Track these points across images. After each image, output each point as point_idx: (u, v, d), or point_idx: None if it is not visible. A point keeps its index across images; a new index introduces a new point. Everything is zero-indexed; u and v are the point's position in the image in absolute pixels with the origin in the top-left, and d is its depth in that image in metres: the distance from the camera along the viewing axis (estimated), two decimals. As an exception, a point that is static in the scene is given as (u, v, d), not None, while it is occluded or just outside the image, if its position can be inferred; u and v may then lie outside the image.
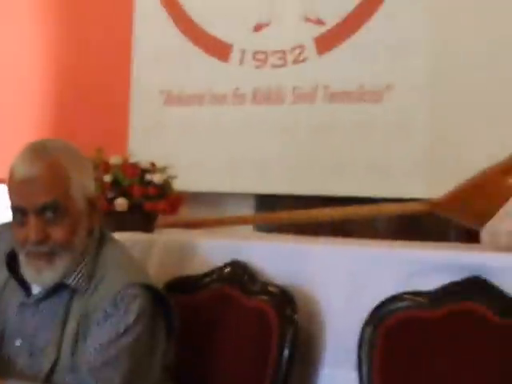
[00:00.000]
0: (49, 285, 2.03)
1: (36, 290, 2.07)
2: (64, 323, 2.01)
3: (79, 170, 2.04)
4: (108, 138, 3.73)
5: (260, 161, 3.68)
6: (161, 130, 3.94)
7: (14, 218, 2.01)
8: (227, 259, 2.36)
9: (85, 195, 2.03)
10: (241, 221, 3.28)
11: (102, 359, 1.94)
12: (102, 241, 2.10)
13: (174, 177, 2.76)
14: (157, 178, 2.72)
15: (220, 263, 2.37)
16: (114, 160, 2.73)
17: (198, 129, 3.86)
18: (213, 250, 2.43)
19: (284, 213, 3.22)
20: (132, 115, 4.01)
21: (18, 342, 2.05)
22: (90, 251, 2.06)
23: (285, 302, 2.18)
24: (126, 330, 1.96)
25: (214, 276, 2.35)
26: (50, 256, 1.99)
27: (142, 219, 2.72)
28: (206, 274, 2.37)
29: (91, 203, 2.06)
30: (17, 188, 1.99)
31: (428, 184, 3.28)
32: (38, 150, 2.02)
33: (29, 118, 4.32)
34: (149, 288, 2.03)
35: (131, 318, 1.97)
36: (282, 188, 3.62)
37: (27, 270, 2.02)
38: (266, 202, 3.69)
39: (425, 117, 3.35)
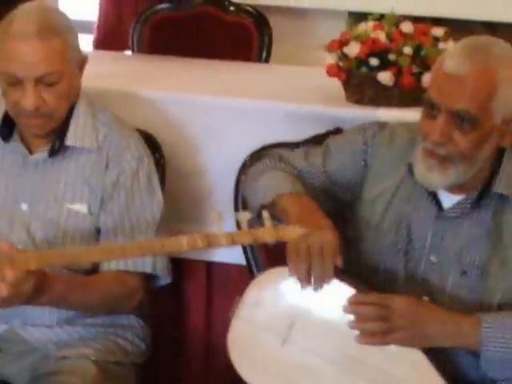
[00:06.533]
0: (435, 187, 1.97)
1: (449, 203, 2.00)
2: (497, 237, 1.96)
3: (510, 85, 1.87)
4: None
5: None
6: None
7: (424, 108, 1.93)
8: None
9: (504, 112, 1.88)
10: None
11: None
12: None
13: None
14: None
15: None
16: None
17: None
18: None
19: None
20: None
21: (434, 259, 2.01)
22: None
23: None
24: None
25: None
26: (444, 160, 1.90)
27: None
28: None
29: (506, 122, 1.90)
30: (441, 81, 1.88)
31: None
32: (479, 50, 1.88)
33: None
34: None
35: None
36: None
37: (419, 166, 1.95)
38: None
39: None
